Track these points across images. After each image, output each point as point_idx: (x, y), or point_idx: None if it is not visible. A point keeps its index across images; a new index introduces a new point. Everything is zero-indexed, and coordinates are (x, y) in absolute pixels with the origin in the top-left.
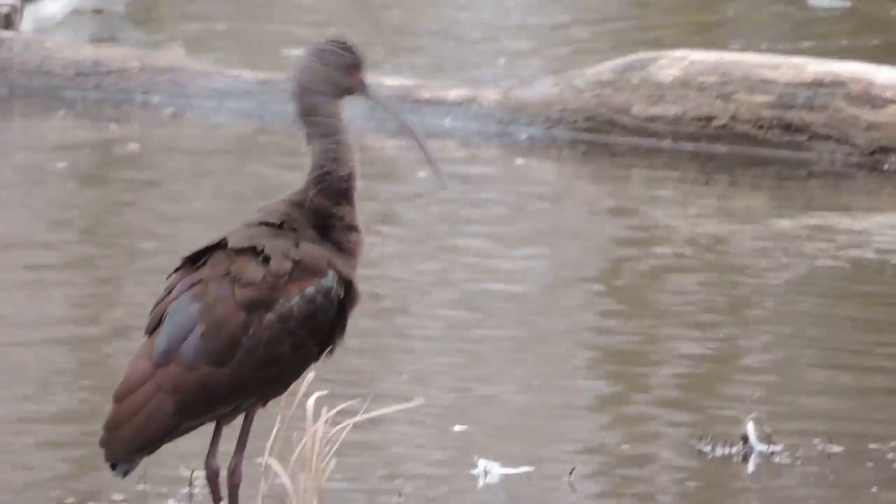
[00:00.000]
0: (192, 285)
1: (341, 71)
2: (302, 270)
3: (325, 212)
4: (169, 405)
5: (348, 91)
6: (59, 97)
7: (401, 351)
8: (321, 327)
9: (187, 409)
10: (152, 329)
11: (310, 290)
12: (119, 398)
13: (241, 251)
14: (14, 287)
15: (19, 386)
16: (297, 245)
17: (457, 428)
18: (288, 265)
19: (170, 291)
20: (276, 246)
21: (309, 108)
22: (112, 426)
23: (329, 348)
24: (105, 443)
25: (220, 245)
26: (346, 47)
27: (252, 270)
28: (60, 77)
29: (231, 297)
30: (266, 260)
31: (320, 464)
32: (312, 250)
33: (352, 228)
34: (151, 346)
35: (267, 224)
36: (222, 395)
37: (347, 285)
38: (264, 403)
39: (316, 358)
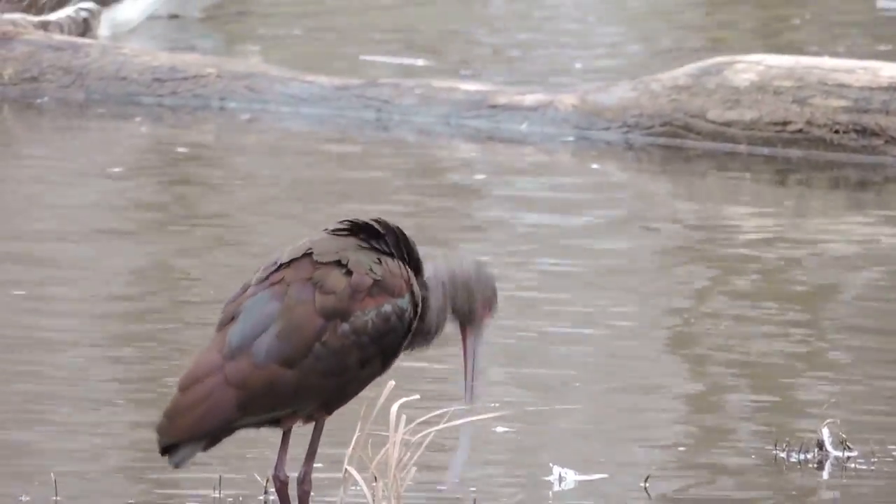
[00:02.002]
0: (273, 284)
1: (481, 305)
2: (381, 288)
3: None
4: (232, 399)
5: (468, 320)
6: (135, 103)
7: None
8: (390, 346)
9: (249, 405)
10: (225, 324)
11: (386, 307)
12: (183, 387)
13: (326, 263)
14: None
15: (85, 388)
16: (379, 262)
17: (531, 434)
18: (369, 281)
19: (244, 291)
20: (359, 261)
21: (440, 325)
22: (172, 414)
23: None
24: (161, 428)
25: (305, 255)
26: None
27: (334, 279)
28: (137, 83)
29: (311, 301)
30: (349, 273)
31: (400, 472)
32: (393, 269)
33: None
34: (223, 340)
35: (353, 237)
36: (285, 396)
37: (419, 309)
38: (329, 413)
39: (379, 374)
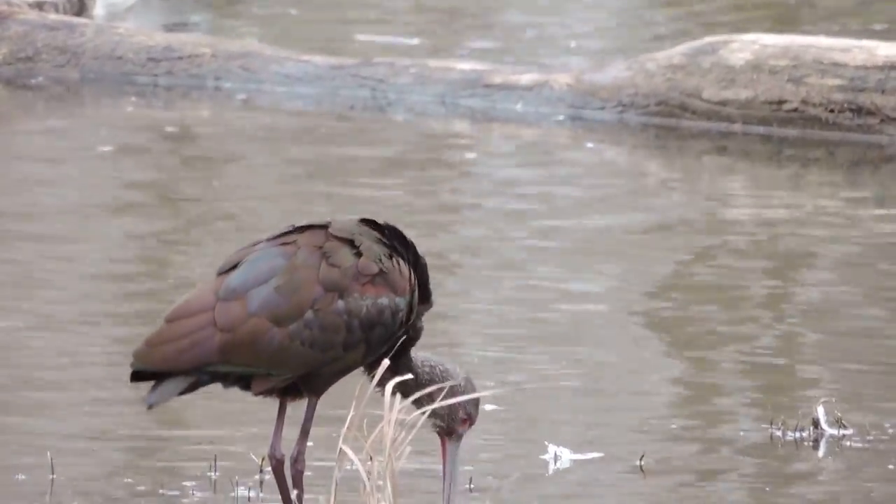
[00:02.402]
0: (284, 244)
1: (462, 417)
2: (384, 280)
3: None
4: (216, 341)
5: (447, 432)
6: (130, 83)
7: (469, 333)
8: (376, 339)
9: (230, 352)
10: (225, 271)
11: (383, 300)
12: (171, 319)
13: (340, 238)
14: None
15: (81, 368)
16: (390, 257)
17: (527, 413)
18: (375, 269)
19: (253, 245)
20: (372, 248)
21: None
22: (154, 342)
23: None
24: (139, 354)
25: (322, 226)
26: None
27: (343, 255)
28: (132, 63)
29: (316, 268)
30: (359, 254)
31: (395, 451)
32: (402, 269)
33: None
34: (220, 284)
35: (375, 232)
36: (266, 354)
37: (413, 317)
38: (313, 393)
39: (360, 365)
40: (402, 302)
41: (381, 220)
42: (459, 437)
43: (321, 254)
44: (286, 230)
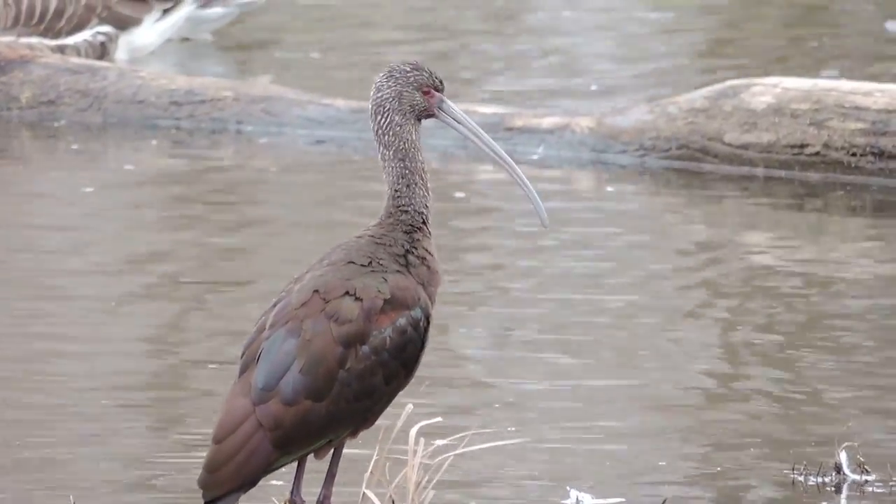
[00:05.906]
0: (286, 322)
1: (416, 91)
2: (393, 305)
3: (403, 247)
4: (269, 441)
5: (425, 112)
6: (153, 126)
7: (491, 379)
8: (411, 358)
9: (287, 444)
10: (246, 368)
11: (400, 321)
12: (218, 439)
13: (334, 297)
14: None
15: (110, 420)
16: (385, 281)
17: (548, 457)
18: (380, 302)
19: (261, 332)
20: (367, 285)
21: (384, 126)
22: (212, 467)
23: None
24: (204, 483)
25: (312, 293)
26: (419, 68)
27: (347, 309)
28: (154, 106)
29: (328, 332)
30: (359, 299)
31: (419, 495)
32: (400, 284)
33: (426, 261)
34: (247, 385)
35: (354, 263)
36: (320, 428)
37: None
38: (355, 435)
39: (405, 385)
40: (417, 313)
41: (349, 252)
42: (441, 102)
43: (326, 317)
44: (283, 310)
